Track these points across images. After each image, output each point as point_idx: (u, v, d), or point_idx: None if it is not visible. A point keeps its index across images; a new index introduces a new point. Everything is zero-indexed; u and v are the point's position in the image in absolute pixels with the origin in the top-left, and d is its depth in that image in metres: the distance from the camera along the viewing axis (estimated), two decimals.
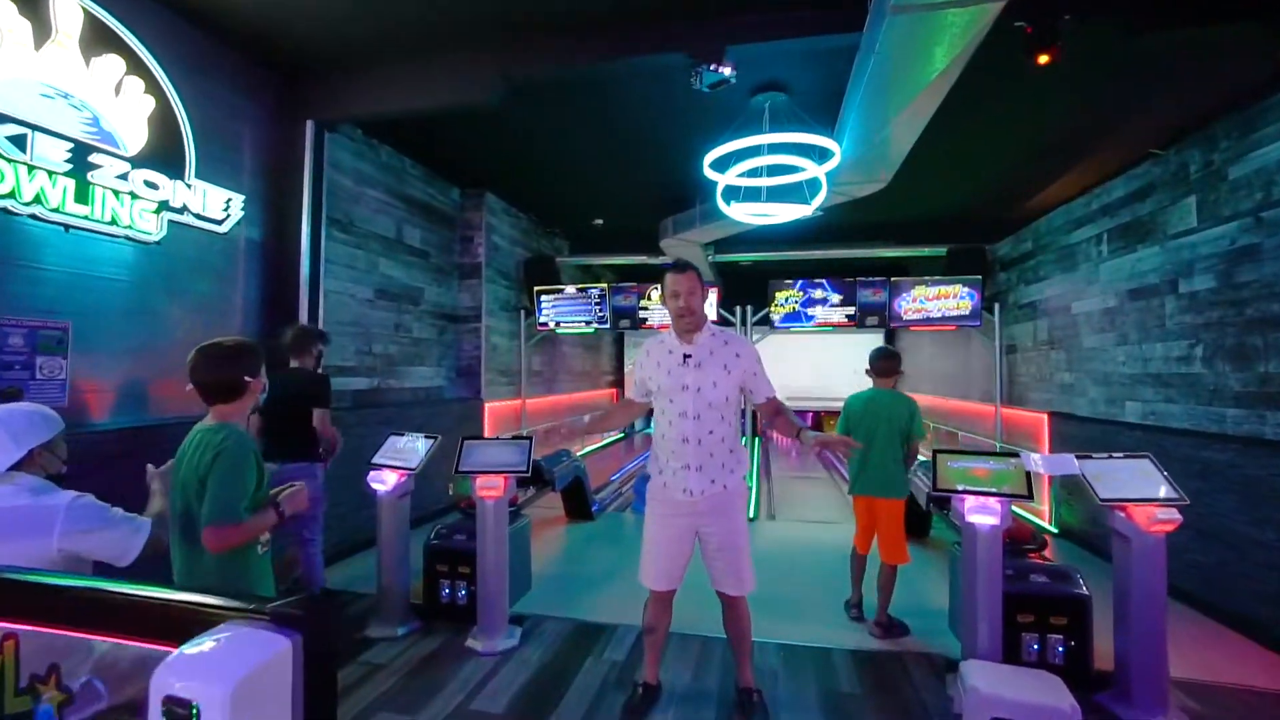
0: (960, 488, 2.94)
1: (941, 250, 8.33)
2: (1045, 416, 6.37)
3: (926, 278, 7.75)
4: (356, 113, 4.81)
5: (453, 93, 4.43)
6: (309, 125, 4.73)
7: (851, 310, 7.86)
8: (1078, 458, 2.94)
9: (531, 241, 9.07)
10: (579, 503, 5.95)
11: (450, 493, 6.46)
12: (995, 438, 7.57)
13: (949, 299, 7.60)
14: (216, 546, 1.68)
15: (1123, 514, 2.72)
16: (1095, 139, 4.98)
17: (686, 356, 2.51)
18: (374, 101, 4.67)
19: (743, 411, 2.84)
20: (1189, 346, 4.36)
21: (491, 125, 5.62)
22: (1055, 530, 5.72)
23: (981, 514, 2.81)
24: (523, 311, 8.65)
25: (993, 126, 5.21)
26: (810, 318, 7.97)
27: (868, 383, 3.71)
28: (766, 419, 2.65)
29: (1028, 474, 2.90)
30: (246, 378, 1.83)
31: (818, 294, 7.97)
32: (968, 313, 7.53)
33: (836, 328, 8.05)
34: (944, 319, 7.65)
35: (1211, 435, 4.04)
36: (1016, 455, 3.02)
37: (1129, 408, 5.09)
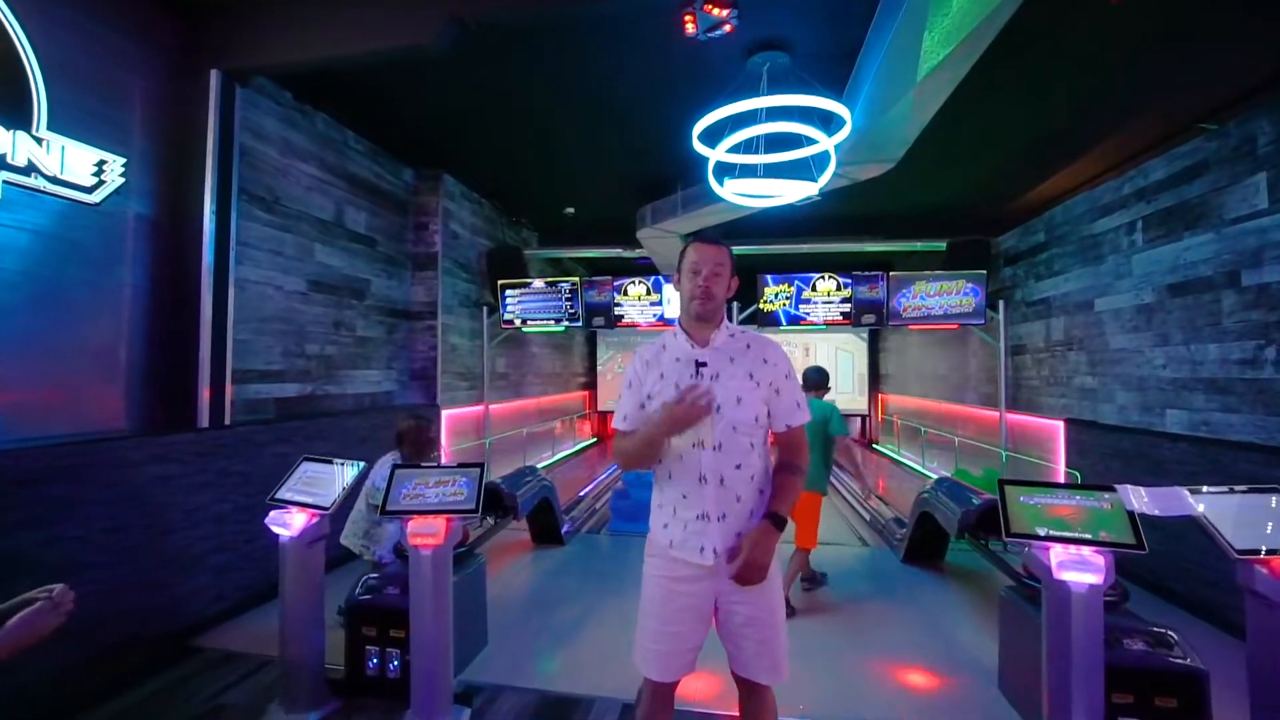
0: (1042, 533, 2.25)
1: (940, 244, 7.78)
2: (1061, 424, 5.81)
3: (927, 272, 7.16)
4: (274, 61, 3.94)
5: (392, 34, 3.61)
6: (214, 75, 3.87)
7: (848, 307, 7.23)
8: (1190, 492, 2.28)
9: (495, 231, 8.23)
10: (547, 526, 5.19)
11: None
12: (1000, 445, 7.01)
13: (951, 295, 7.02)
14: None
15: (1264, 570, 2.06)
16: (1132, 110, 4.37)
17: (700, 365, 1.78)
18: (296, 46, 3.83)
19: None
20: (1256, 347, 3.79)
21: (447, 92, 4.81)
22: None
23: (1078, 570, 2.13)
24: (485, 308, 7.83)
25: (1007, 106, 4.59)
26: (803, 316, 7.32)
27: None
28: (777, 460, 1.86)
29: (1131, 515, 2.23)
30: None
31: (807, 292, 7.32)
32: (971, 310, 6.96)
33: (830, 326, 7.42)
34: (946, 316, 7.06)
35: None
36: (1111, 489, 2.35)
37: (1171, 416, 4.52)
